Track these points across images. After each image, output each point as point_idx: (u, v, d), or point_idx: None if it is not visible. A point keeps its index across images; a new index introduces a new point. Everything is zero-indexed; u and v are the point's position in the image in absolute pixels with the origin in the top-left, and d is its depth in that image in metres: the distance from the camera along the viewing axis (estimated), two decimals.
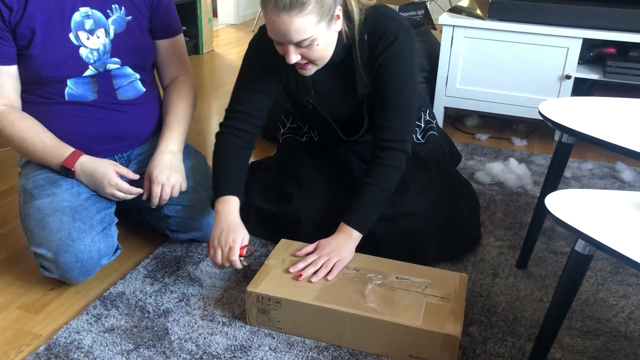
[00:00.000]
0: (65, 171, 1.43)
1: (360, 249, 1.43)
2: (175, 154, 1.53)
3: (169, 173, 1.48)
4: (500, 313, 1.39)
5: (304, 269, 1.34)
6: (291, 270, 1.34)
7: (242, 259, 1.36)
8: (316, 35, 1.28)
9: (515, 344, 1.29)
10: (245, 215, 1.74)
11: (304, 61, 1.33)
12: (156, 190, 1.47)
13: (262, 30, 1.45)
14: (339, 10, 1.31)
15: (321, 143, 1.74)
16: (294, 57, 1.31)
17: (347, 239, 1.40)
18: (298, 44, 1.28)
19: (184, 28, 3.37)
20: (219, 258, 1.36)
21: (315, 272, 1.33)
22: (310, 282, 1.31)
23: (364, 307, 1.24)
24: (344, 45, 1.41)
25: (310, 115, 1.60)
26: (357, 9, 1.36)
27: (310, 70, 1.37)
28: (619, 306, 1.43)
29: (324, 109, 1.54)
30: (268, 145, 2.34)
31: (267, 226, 1.64)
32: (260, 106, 1.50)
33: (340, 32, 1.37)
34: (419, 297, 1.27)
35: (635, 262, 0.90)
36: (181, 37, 1.66)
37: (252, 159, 2.14)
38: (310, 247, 1.41)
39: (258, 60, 1.48)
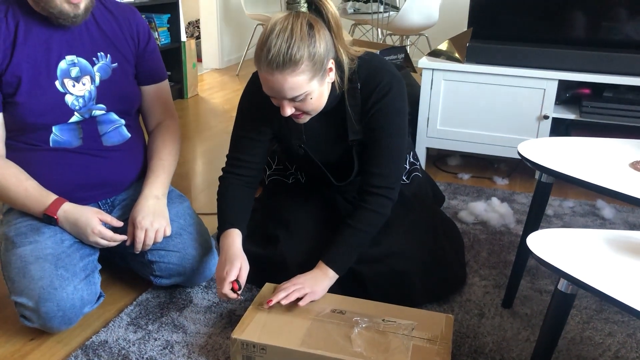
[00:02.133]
0: (48, 219, 1.42)
1: (347, 290, 1.43)
2: (159, 199, 1.53)
3: (153, 218, 1.48)
4: (488, 354, 1.38)
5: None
6: (265, 305, 1.36)
7: (238, 291, 1.37)
8: (310, 90, 1.31)
9: None
10: None
11: (298, 112, 1.36)
12: (140, 236, 1.46)
13: (254, 78, 1.48)
14: (331, 64, 1.34)
15: (308, 184, 1.76)
16: (289, 110, 1.34)
17: (323, 276, 1.41)
18: (292, 99, 1.31)
19: (169, 73, 3.41)
20: (219, 289, 1.39)
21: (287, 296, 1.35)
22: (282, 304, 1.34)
23: (350, 352, 1.22)
24: (337, 94, 1.44)
25: (301, 160, 1.62)
26: (347, 59, 1.40)
27: (304, 119, 1.40)
28: (605, 344, 1.43)
29: (314, 153, 1.56)
30: None
31: (253, 269, 1.63)
32: (257, 152, 1.53)
33: (334, 81, 1.40)
34: (405, 339, 1.26)
35: (618, 302, 0.91)
36: (166, 83, 1.68)
37: None
38: (289, 283, 1.41)
39: (252, 109, 1.51)
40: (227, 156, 1.57)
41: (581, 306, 1.57)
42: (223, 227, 1.48)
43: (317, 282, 1.40)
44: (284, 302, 1.35)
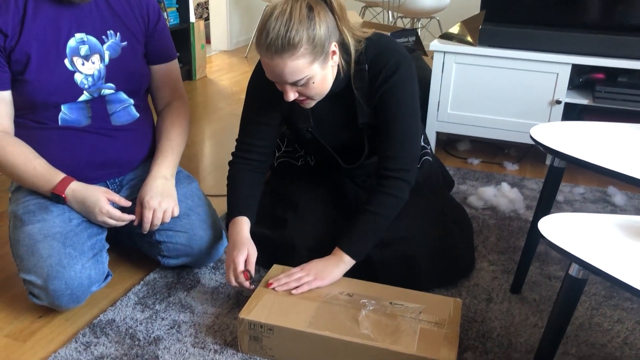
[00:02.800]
0: (56, 198, 1.42)
1: (355, 274, 1.42)
2: (168, 179, 1.52)
3: (161, 198, 1.47)
4: (495, 339, 1.38)
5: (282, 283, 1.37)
6: (271, 281, 1.37)
7: (250, 280, 1.39)
8: (311, 74, 1.29)
9: None
10: None
11: (302, 97, 1.35)
12: (147, 216, 1.46)
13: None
14: (334, 46, 1.32)
15: (317, 167, 1.75)
16: (292, 95, 1.33)
17: (338, 263, 1.40)
18: (294, 83, 1.30)
19: (178, 54, 3.39)
20: (227, 276, 1.39)
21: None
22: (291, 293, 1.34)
23: (357, 334, 1.22)
24: (344, 76, 1.42)
25: (309, 143, 1.61)
26: (353, 41, 1.38)
27: (309, 104, 1.39)
28: (614, 331, 1.42)
29: (323, 137, 1.55)
30: None
31: (261, 251, 1.63)
32: (266, 137, 1.52)
33: (339, 64, 1.38)
34: (413, 323, 1.26)
35: (630, 286, 0.90)
36: (175, 63, 1.66)
37: None
38: (298, 268, 1.41)
39: (260, 93, 1.50)
40: (236, 140, 1.56)
41: (590, 292, 1.56)
42: (232, 214, 1.48)
43: (328, 268, 1.39)
44: (278, 289, 1.35)
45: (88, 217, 1.45)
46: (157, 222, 1.47)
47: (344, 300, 1.33)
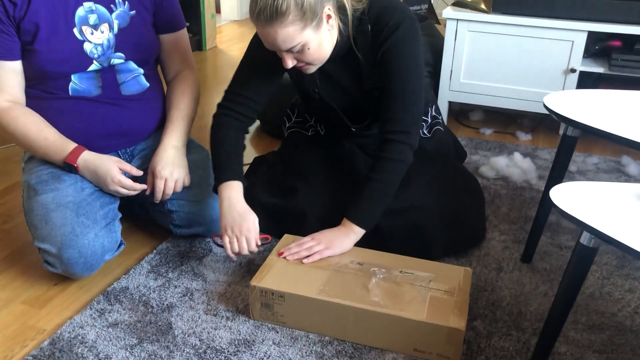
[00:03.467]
0: (68, 167, 1.43)
1: (365, 243, 1.43)
2: (179, 149, 1.52)
3: (172, 168, 1.48)
4: (505, 307, 1.38)
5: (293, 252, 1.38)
6: (282, 250, 1.38)
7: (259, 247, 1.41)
8: (305, 40, 1.27)
9: (520, 338, 1.28)
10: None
11: (301, 63, 1.33)
12: (159, 185, 1.47)
13: None
14: (328, 10, 1.29)
15: (327, 136, 1.74)
16: (290, 62, 1.31)
17: (348, 233, 1.40)
18: (289, 50, 1.29)
19: (187, 24, 3.36)
20: (235, 247, 1.38)
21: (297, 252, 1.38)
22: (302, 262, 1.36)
23: (368, 301, 1.23)
24: (346, 39, 1.40)
25: (317, 105, 1.60)
26: (350, 3, 1.35)
27: (311, 69, 1.37)
28: (625, 300, 1.42)
29: (330, 98, 1.53)
30: (271, 141, 2.34)
31: (272, 221, 1.64)
32: (262, 92, 1.49)
33: (339, 27, 1.36)
34: (423, 291, 1.27)
35: None
36: (184, 32, 1.65)
37: (255, 154, 2.13)
38: (309, 237, 1.42)
39: (265, 49, 1.47)
40: (226, 91, 1.51)
41: (601, 262, 1.56)
42: (225, 177, 1.43)
43: (338, 238, 1.40)
44: (289, 258, 1.36)
45: (100, 187, 1.46)
46: (169, 191, 1.48)
47: (354, 268, 1.34)
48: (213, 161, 1.49)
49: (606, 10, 2.19)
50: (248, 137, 2.40)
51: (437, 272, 1.33)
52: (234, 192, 1.42)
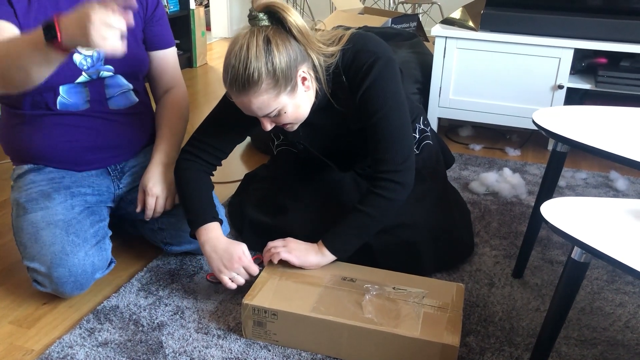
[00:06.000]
0: (48, 28, 1.10)
1: (356, 260, 1.43)
2: (169, 166, 1.52)
3: (163, 185, 1.47)
4: (497, 323, 1.38)
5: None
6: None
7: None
8: (281, 106, 1.26)
9: (513, 354, 1.28)
10: (240, 227, 1.74)
11: (281, 124, 1.33)
12: (150, 203, 1.46)
13: None
14: (303, 73, 1.27)
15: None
16: (268, 126, 1.31)
17: (317, 252, 1.39)
18: (266, 115, 1.28)
19: (177, 41, 3.37)
20: (239, 281, 1.37)
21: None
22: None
23: (361, 318, 1.23)
24: (324, 95, 1.37)
25: (303, 154, 1.59)
26: (323, 60, 1.32)
27: (292, 128, 1.36)
28: (616, 315, 1.42)
29: (316, 146, 1.52)
30: (262, 157, 2.34)
31: (261, 238, 1.63)
32: (226, 143, 1.49)
33: (317, 85, 1.34)
34: (416, 307, 1.26)
35: (632, 269, 0.90)
36: (173, 50, 1.66)
37: (246, 170, 2.13)
38: (281, 239, 1.42)
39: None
40: (192, 137, 1.50)
41: (592, 277, 1.56)
42: (199, 220, 1.41)
43: (305, 251, 1.39)
44: (265, 261, 1.40)
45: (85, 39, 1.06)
46: (160, 209, 1.47)
47: (347, 285, 1.34)
48: (183, 206, 1.46)
49: (592, 28, 2.23)
50: (238, 153, 2.41)
51: (430, 288, 1.33)
52: (212, 233, 1.40)
